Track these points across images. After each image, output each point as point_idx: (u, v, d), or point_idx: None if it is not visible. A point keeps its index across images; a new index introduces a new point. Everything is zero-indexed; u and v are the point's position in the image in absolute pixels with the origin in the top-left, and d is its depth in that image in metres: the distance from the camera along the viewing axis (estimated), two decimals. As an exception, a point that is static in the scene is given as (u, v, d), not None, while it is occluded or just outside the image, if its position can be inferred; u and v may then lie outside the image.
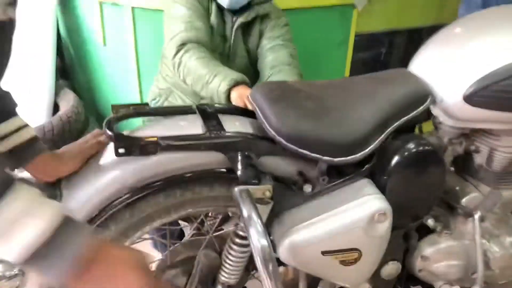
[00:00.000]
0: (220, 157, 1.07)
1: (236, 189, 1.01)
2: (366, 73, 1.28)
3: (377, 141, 1.11)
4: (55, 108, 2.65)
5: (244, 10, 1.86)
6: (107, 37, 2.57)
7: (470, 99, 1.12)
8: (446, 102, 1.16)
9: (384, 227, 1.10)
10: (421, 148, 1.13)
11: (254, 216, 0.95)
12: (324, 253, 1.08)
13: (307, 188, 1.11)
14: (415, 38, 2.84)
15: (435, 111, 1.20)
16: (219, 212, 1.27)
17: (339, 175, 1.14)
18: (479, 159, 1.30)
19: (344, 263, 1.11)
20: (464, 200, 1.32)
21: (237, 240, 1.14)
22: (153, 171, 1.04)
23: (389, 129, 1.13)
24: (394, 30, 2.75)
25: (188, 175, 1.07)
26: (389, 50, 2.77)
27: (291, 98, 1.13)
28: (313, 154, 1.05)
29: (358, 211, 1.07)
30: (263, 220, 0.96)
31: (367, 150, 1.09)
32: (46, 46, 2.57)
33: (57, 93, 2.72)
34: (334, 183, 1.12)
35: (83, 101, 2.91)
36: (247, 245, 1.16)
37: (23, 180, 0.90)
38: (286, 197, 1.10)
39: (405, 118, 1.16)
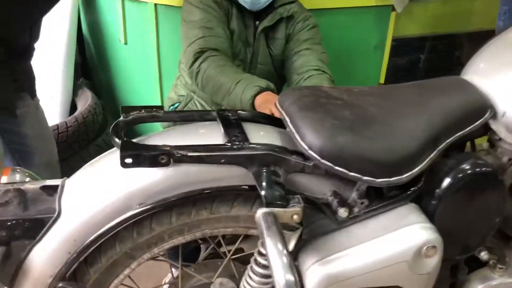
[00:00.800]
0: (242, 172, 0.92)
1: (259, 211, 0.86)
2: (403, 81, 1.11)
3: (426, 160, 0.94)
4: (74, 108, 2.56)
5: (267, 12, 1.71)
6: (128, 35, 2.46)
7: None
8: (509, 116, 0.99)
9: (433, 262, 0.93)
10: (478, 169, 0.96)
11: (280, 245, 0.80)
12: (361, 291, 0.92)
13: (343, 212, 0.95)
14: (456, 44, 2.64)
15: (494, 126, 1.03)
16: (238, 233, 1.13)
17: (381, 198, 0.98)
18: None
19: (384, 303, 0.95)
20: (521, 230, 1.14)
21: (258, 270, 0.99)
22: (165, 186, 0.90)
23: (440, 146, 0.97)
24: (435, 34, 2.56)
25: (206, 191, 0.92)
26: (429, 55, 2.58)
27: (326, 106, 0.97)
28: (351, 174, 0.89)
29: (403, 243, 0.91)
30: (289, 250, 0.81)
31: (414, 170, 0.93)
32: (66, 43, 2.48)
33: (76, 92, 2.62)
34: (374, 207, 0.96)
35: (103, 101, 2.81)
36: (269, 276, 1.00)
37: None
38: (317, 222, 0.95)
39: (460, 133, 0.99)
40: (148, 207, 0.91)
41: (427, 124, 0.95)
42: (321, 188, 0.98)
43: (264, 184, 0.90)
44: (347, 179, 0.97)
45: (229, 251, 1.14)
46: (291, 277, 0.76)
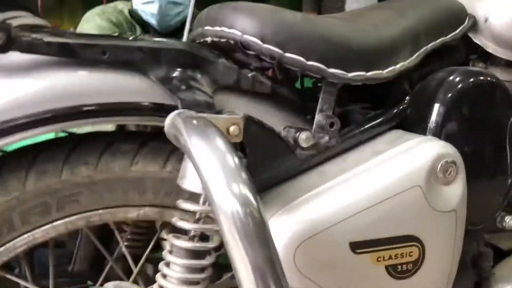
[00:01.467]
0: (143, 83, 0.58)
1: (175, 113, 0.51)
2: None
3: (409, 60, 0.67)
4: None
5: (178, 35, 1.53)
6: None
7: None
8: (494, 20, 0.77)
9: (457, 192, 0.59)
10: (474, 76, 0.69)
11: (226, 151, 0.45)
12: (355, 247, 0.54)
13: (306, 139, 0.60)
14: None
15: (478, 39, 0.79)
16: (146, 219, 0.70)
17: (357, 122, 0.66)
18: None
19: (395, 271, 0.56)
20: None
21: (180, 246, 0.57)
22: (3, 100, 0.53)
23: (422, 47, 0.70)
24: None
25: (84, 108, 0.55)
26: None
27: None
28: (310, 63, 0.58)
29: (408, 160, 0.57)
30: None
31: (396, 66, 0.64)
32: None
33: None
34: (350, 131, 0.64)
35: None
36: (201, 254, 0.58)
37: None
38: (269, 150, 0.59)
39: (442, 39, 0.74)
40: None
41: (400, 18, 0.69)
42: (268, 120, 0.64)
43: (178, 86, 0.56)
44: (304, 107, 0.66)
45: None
46: (253, 201, 0.41)
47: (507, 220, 0.76)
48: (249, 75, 0.62)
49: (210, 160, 0.44)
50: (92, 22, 1.44)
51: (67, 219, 0.61)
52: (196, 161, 0.45)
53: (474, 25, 0.79)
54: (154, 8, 1.43)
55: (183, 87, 0.57)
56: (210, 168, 0.44)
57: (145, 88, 0.57)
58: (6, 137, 0.53)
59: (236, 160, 0.44)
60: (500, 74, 0.82)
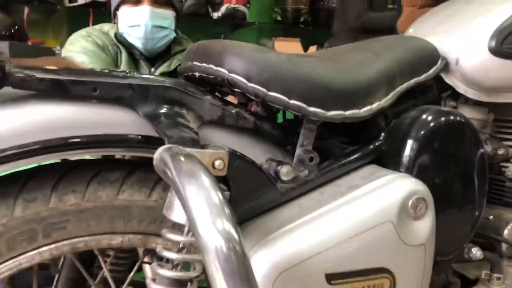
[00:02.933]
0: (131, 118, 0.60)
1: (163, 147, 0.54)
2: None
3: (385, 99, 0.72)
4: None
5: (163, 59, 1.56)
6: None
7: (498, 48, 0.79)
8: (465, 62, 0.82)
9: (426, 227, 0.63)
10: (445, 115, 0.74)
11: (210, 187, 0.47)
12: (330, 278, 0.57)
13: (286, 172, 0.64)
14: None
15: (450, 80, 0.85)
16: (130, 247, 0.72)
17: (335, 157, 0.70)
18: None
19: (367, 301, 0.59)
20: (507, 233, 0.89)
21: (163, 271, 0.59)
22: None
23: (397, 87, 0.75)
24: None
25: (72, 139, 0.57)
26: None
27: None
28: (292, 102, 0.62)
29: (381, 196, 0.61)
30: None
31: (373, 106, 0.69)
32: None
33: None
34: (328, 166, 0.67)
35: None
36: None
37: None
38: (251, 183, 0.62)
39: (415, 79, 0.79)
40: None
41: (376, 60, 0.74)
42: (251, 154, 0.68)
43: (165, 123, 0.59)
44: (286, 141, 0.70)
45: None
46: (235, 236, 0.44)
47: (474, 252, 0.80)
48: (233, 111, 0.65)
49: (195, 196, 0.47)
50: (77, 44, 1.45)
51: (52, 246, 0.63)
52: (183, 196, 0.47)
53: (446, 66, 0.84)
54: (140, 32, 1.45)
55: (170, 123, 0.59)
56: (195, 203, 0.46)
57: (133, 122, 0.60)
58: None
59: (220, 196, 0.47)
60: (469, 113, 0.87)
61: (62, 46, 2.95)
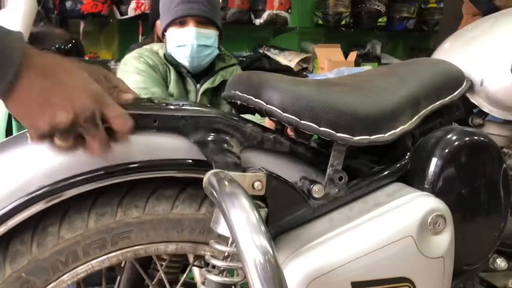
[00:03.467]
0: (183, 144, 0.71)
1: (209, 173, 0.64)
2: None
3: (409, 122, 0.78)
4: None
5: (208, 76, 1.67)
6: None
7: (522, 70, 0.84)
8: (489, 83, 0.87)
9: (445, 241, 0.70)
10: (469, 136, 0.80)
11: (249, 208, 0.57)
12: (356, 286, 0.65)
13: (318, 190, 0.72)
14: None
15: (475, 99, 0.90)
16: (183, 253, 0.83)
17: (363, 176, 0.77)
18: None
19: (390, 307, 0.67)
20: (534, 242, 0.93)
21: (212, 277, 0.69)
22: (75, 159, 0.66)
23: (422, 110, 0.82)
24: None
25: (134, 164, 0.69)
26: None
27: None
28: (322, 129, 0.70)
29: (403, 213, 0.68)
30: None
31: (397, 130, 0.76)
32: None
33: None
34: (356, 184, 0.75)
35: None
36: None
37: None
38: (287, 201, 0.71)
39: (440, 101, 0.85)
40: (48, 189, 0.65)
41: (401, 85, 0.81)
42: (287, 174, 0.77)
43: (212, 148, 0.69)
44: (317, 161, 0.78)
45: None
46: (269, 249, 0.53)
47: (498, 262, 0.85)
48: (271, 136, 0.74)
49: (237, 215, 0.56)
50: (130, 65, 1.59)
51: (119, 252, 0.74)
52: (227, 215, 0.57)
53: (471, 87, 0.89)
54: (186, 51, 1.57)
55: (216, 149, 0.69)
56: (237, 222, 0.56)
57: (186, 148, 0.70)
58: (73, 189, 0.67)
59: (257, 215, 0.56)
60: (496, 130, 0.92)
61: (113, 56, 3.15)
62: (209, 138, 0.70)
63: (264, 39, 3.66)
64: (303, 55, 3.23)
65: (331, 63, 2.41)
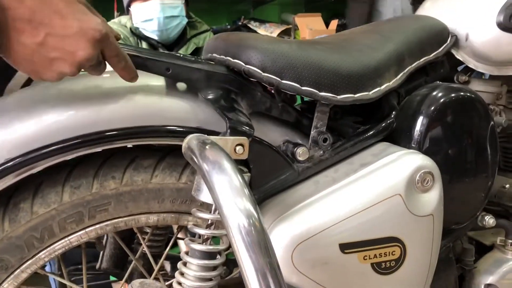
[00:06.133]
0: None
1: (190, 136, 0.61)
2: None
3: (394, 80, 0.76)
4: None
5: (180, 44, 1.63)
6: None
7: (506, 23, 0.81)
8: (474, 38, 0.85)
9: (433, 198, 0.68)
10: (455, 92, 0.78)
11: (231, 171, 0.53)
12: (344, 248, 0.64)
13: (302, 153, 0.70)
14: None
15: (460, 55, 0.88)
16: (164, 224, 0.80)
17: (347, 137, 0.75)
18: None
19: (380, 267, 0.65)
20: (522, 200, 0.92)
21: (196, 251, 0.67)
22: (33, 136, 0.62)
23: (406, 67, 0.79)
24: None
25: (109, 134, 0.65)
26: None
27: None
28: (304, 88, 0.67)
29: (390, 171, 0.66)
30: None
31: (382, 87, 0.73)
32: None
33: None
34: (341, 145, 0.73)
35: None
36: (211, 255, 0.67)
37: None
38: (270, 165, 0.69)
39: (425, 58, 0.83)
40: (17, 161, 0.61)
41: (385, 42, 0.78)
42: (271, 137, 0.74)
43: (225, 106, 0.65)
44: (302, 125, 0.75)
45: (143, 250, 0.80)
46: (254, 213, 0.50)
47: (487, 219, 0.85)
48: (280, 104, 0.71)
49: (219, 180, 0.53)
50: None
51: (97, 226, 0.71)
52: (208, 180, 0.54)
53: (456, 43, 0.87)
54: (153, 25, 1.52)
55: (229, 108, 0.66)
56: (219, 186, 0.53)
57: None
58: (47, 159, 0.63)
59: (240, 179, 0.53)
60: (482, 86, 0.91)
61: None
62: (222, 96, 0.66)
63: (243, 12, 3.59)
64: (284, 27, 3.17)
65: (312, 32, 2.36)
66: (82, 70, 0.59)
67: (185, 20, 1.60)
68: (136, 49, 0.65)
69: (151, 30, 1.54)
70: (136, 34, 1.57)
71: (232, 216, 0.51)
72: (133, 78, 0.63)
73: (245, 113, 0.67)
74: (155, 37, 1.56)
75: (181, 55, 0.68)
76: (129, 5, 1.58)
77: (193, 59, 0.68)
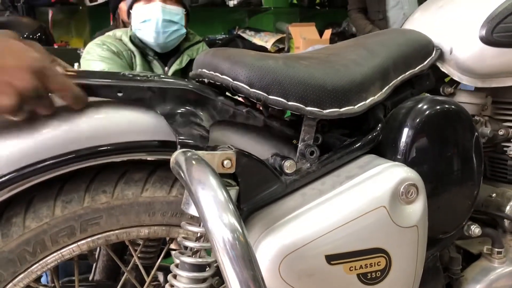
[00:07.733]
0: (151, 119, 0.68)
1: (178, 152, 0.62)
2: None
3: (379, 93, 0.77)
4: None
5: (175, 57, 1.65)
6: None
7: (489, 37, 0.83)
8: (458, 51, 0.87)
9: (417, 210, 0.69)
10: (440, 104, 0.79)
11: (216, 187, 0.55)
12: (330, 259, 0.65)
13: (289, 166, 0.71)
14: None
15: (445, 68, 0.90)
16: (156, 237, 0.82)
17: (334, 149, 0.76)
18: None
19: (366, 278, 0.67)
20: (509, 209, 0.94)
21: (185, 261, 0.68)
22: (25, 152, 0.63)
23: (392, 81, 0.81)
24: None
25: (100, 148, 0.66)
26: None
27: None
28: (290, 103, 0.69)
29: (375, 183, 0.68)
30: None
31: (367, 101, 0.75)
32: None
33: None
34: (328, 158, 0.74)
35: None
36: (201, 268, 0.69)
37: None
38: (258, 178, 0.70)
39: (410, 71, 0.84)
40: (10, 176, 0.62)
41: (370, 56, 0.80)
42: (259, 151, 0.75)
43: (179, 121, 0.67)
44: (290, 137, 0.77)
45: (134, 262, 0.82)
46: (237, 227, 0.51)
47: (473, 229, 0.86)
48: (244, 110, 0.73)
49: (204, 195, 0.54)
50: (93, 53, 1.55)
51: (89, 239, 0.72)
52: (194, 195, 0.55)
53: (441, 56, 0.89)
54: (151, 26, 1.54)
55: (183, 121, 0.67)
56: (204, 202, 0.54)
57: (152, 125, 0.68)
58: (38, 175, 0.64)
59: (225, 194, 0.54)
60: (467, 98, 0.92)
61: (85, 44, 3.06)
62: (177, 111, 0.68)
63: (238, 21, 3.62)
64: (279, 36, 3.20)
65: (306, 41, 2.39)
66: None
67: (184, 31, 1.62)
68: (87, 75, 0.67)
69: (148, 32, 1.56)
70: (134, 43, 1.59)
71: (217, 231, 0.52)
72: (83, 106, 0.64)
73: (203, 125, 0.68)
74: (151, 40, 1.57)
75: (132, 75, 0.70)
76: (131, 7, 1.61)
77: (146, 77, 0.70)
